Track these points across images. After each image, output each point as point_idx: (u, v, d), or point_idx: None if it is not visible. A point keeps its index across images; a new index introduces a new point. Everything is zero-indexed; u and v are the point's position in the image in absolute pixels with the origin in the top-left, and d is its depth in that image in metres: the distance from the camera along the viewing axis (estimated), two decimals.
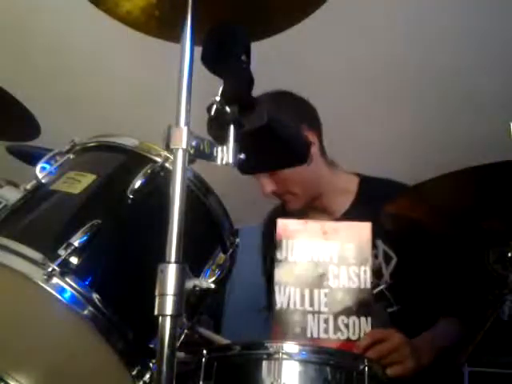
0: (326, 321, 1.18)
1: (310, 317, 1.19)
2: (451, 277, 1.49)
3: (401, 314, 1.44)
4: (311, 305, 1.20)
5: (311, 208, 1.63)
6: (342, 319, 1.18)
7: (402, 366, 1.17)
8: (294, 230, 1.27)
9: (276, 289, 1.21)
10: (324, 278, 1.22)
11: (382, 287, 1.42)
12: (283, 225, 1.28)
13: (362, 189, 1.61)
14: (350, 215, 1.53)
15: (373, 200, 1.44)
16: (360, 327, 1.16)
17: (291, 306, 1.20)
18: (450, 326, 1.42)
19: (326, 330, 1.17)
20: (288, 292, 1.21)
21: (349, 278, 1.21)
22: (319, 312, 1.19)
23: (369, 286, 1.20)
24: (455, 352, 1.47)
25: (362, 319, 1.17)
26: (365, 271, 1.21)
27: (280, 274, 1.23)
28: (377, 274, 1.43)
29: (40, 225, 0.98)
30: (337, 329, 1.17)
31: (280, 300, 1.20)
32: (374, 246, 1.45)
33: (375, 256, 1.46)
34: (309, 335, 1.18)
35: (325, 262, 1.23)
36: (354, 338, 1.16)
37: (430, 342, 1.32)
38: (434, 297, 1.45)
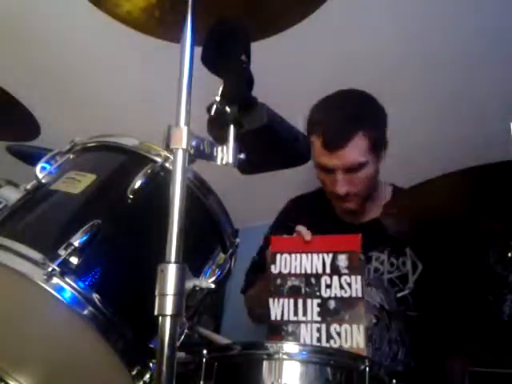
0: (319, 330, 1.20)
1: (302, 326, 1.21)
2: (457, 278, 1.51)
3: (418, 320, 1.48)
4: (304, 314, 1.23)
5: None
6: (334, 327, 1.20)
7: None
8: (286, 245, 1.33)
9: (270, 301, 1.25)
10: (316, 288, 1.25)
11: (405, 292, 1.48)
12: (276, 240, 1.35)
13: (393, 200, 1.58)
14: (377, 223, 1.48)
15: None
16: (352, 335, 1.18)
17: (285, 316, 1.23)
18: None
19: (319, 339, 1.20)
20: (282, 303, 1.24)
21: (341, 287, 1.24)
22: (312, 321, 1.22)
23: (360, 294, 1.22)
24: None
25: (354, 327, 1.18)
26: (356, 280, 1.24)
27: (274, 286, 1.27)
28: (403, 279, 1.50)
29: (40, 225, 0.98)
30: (329, 337, 1.19)
31: (274, 311, 1.24)
32: (404, 254, 1.53)
33: (403, 263, 1.52)
34: None
35: (317, 273, 1.27)
36: (346, 345, 1.17)
37: None
38: (449, 309, 1.48)
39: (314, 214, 1.67)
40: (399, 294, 1.49)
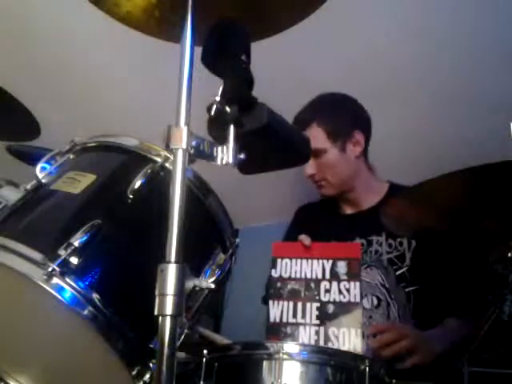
0: (317, 332, 1.23)
1: (301, 328, 1.24)
2: (455, 274, 1.57)
3: (417, 293, 1.58)
4: (303, 317, 1.25)
5: (342, 199, 1.84)
6: (332, 331, 1.22)
7: (416, 355, 1.28)
8: (288, 250, 1.36)
9: (270, 303, 1.28)
10: (316, 293, 1.28)
11: (404, 269, 1.61)
12: (278, 246, 1.39)
13: (390, 192, 1.80)
14: (376, 211, 1.62)
15: None
16: (350, 339, 1.19)
17: (284, 318, 1.25)
18: (459, 324, 1.52)
19: (317, 342, 1.22)
20: (281, 305, 1.27)
21: (339, 292, 1.27)
22: (310, 324, 1.24)
23: (358, 299, 1.26)
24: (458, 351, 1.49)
25: (352, 331, 1.20)
26: (355, 286, 1.27)
27: (274, 289, 1.30)
28: (400, 258, 1.63)
29: (40, 225, 0.98)
30: (327, 340, 1.21)
31: (273, 313, 1.26)
32: (400, 237, 1.67)
33: (400, 243, 1.65)
34: None
35: (317, 278, 1.30)
36: (343, 349, 1.19)
37: (442, 334, 1.43)
38: (446, 282, 1.56)
39: (321, 219, 1.86)
40: (398, 272, 1.61)
